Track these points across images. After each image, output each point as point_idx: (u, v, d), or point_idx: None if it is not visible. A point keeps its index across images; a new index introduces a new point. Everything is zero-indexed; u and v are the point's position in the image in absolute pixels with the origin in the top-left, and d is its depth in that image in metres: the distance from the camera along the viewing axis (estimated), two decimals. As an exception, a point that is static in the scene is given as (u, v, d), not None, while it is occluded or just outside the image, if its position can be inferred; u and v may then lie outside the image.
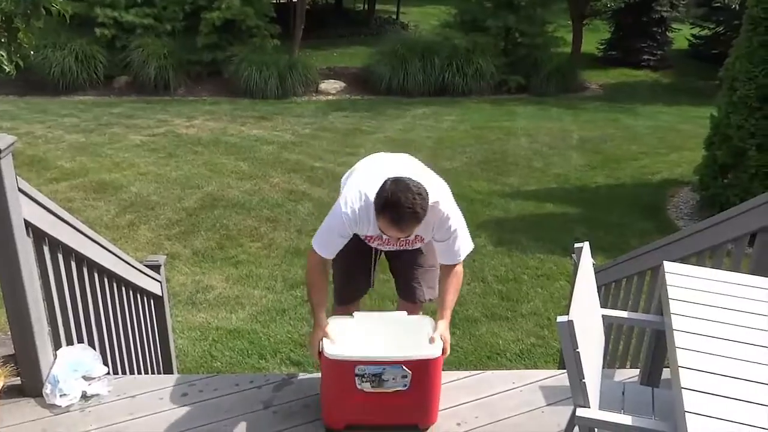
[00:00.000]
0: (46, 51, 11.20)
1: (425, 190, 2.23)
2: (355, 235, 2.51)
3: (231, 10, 12.03)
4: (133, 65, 11.90)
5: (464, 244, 2.51)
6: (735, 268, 2.59)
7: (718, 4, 13.37)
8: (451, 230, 2.44)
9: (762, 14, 5.92)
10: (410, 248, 2.63)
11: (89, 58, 11.69)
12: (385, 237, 2.45)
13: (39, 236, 2.32)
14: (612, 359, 3.36)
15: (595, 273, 2.57)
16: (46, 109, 10.72)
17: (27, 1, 2.58)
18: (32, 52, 2.86)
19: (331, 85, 12.75)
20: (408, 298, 2.84)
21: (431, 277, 2.80)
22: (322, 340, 2.41)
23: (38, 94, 11.47)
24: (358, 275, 2.84)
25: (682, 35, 16.76)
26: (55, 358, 2.46)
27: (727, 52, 6.85)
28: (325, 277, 2.56)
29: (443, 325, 2.44)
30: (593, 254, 2.36)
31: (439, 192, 2.41)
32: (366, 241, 2.58)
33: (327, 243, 2.47)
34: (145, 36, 11.98)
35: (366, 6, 19.64)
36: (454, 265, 2.54)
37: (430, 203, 2.26)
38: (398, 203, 2.18)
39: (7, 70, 2.97)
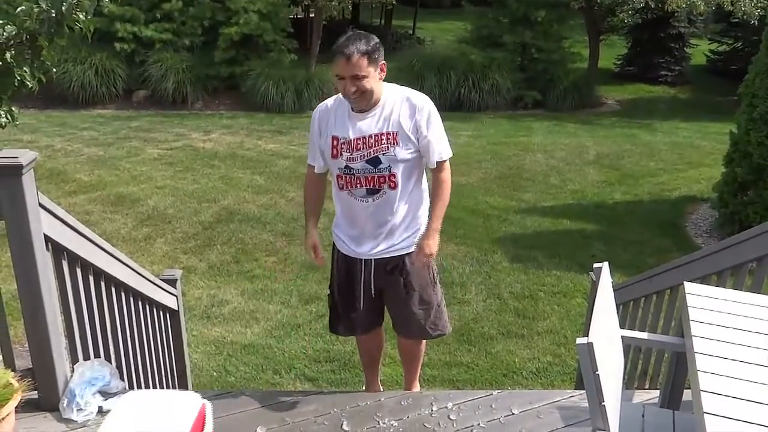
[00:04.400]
0: (67, 65, 11.37)
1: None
2: (344, 270, 2.74)
3: (249, 25, 12.15)
4: (151, 79, 12.03)
5: (445, 147, 2.60)
6: (757, 287, 2.54)
7: (737, 20, 13.29)
8: (433, 119, 2.54)
9: (782, 31, 5.88)
10: (385, 148, 2.54)
11: (109, 73, 11.85)
12: (346, 114, 2.55)
13: (58, 251, 2.34)
14: (631, 380, 3.31)
15: (613, 291, 2.54)
16: (66, 123, 10.86)
17: (51, 20, 2.61)
18: (54, 70, 2.89)
19: (348, 100, 12.79)
20: (402, 334, 2.90)
21: (428, 316, 2.77)
22: (308, 244, 2.76)
23: (59, 107, 11.63)
24: (346, 307, 2.84)
25: (700, 51, 16.68)
26: (72, 373, 2.47)
27: (745, 68, 6.79)
28: (313, 188, 2.79)
29: (427, 236, 2.58)
30: (611, 272, 2.33)
31: (410, 90, 2.59)
32: (334, 149, 2.58)
33: (309, 149, 2.74)
34: (164, 51, 12.13)
35: (382, 21, 19.76)
36: (440, 169, 2.61)
37: (395, 86, 2.56)
38: (346, 36, 2.47)
39: (30, 86, 3.00)
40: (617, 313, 3.27)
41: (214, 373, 4.39)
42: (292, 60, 12.72)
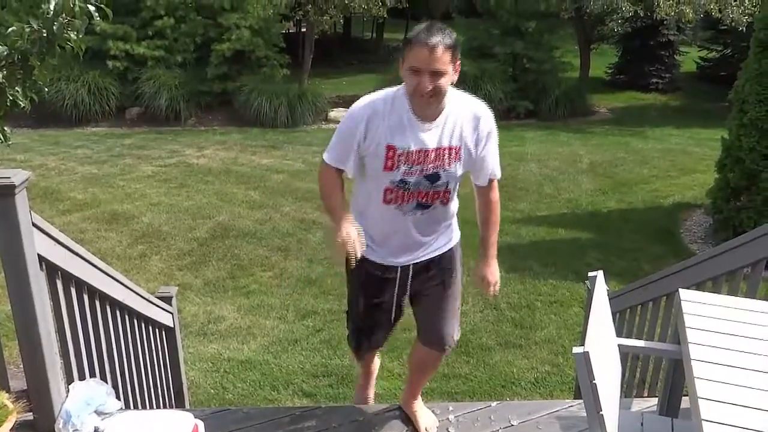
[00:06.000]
0: (60, 84, 11.38)
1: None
2: (373, 283, 2.44)
3: (241, 41, 12.20)
4: (144, 96, 12.05)
5: (498, 165, 2.39)
6: (752, 292, 2.55)
7: (725, 27, 13.41)
8: (493, 135, 2.33)
9: (770, 37, 5.93)
10: (446, 164, 2.27)
11: (102, 90, 11.86)
12: (410, 123, 2.22)
13: (52, 270, 2.33)
14: (629, 387, 3.31)
15: (610, 300, 2.54)
16: (59, 141, 10.85)
17: (42, 40, 2.61)
18: (46, 89, 2.89)
19: (341, 114, 12.78)
20: (434, 344, 2.55)
21: (456, 321, 2.59)
22: (345, 234, 2.17)
23: (52, 126, 11.62)
24: (375, 320, 2.59)
25: (690, 58, 16.80)
26: (67, 393, 2.45)
27: (735, 75, 6.84)
28: (336, 186, 2.36)
29: (488, 265, 2.41)
30: (607, 280, 2.34)
31: (471, 97, 2.36)
32: (388, 161, 2.24)
33: (334, 145, 2.33)
34: (157, 68, 12.16)
35: (374, 34, 19.85)
36: (491, 188, 2.41)
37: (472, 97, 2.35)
38: (427, 24, 2.18)
39: (23, 105, 3.00)
40: (614, 321, 3.27)
41: (212, 390, 4.36)
42: (284, 75, 12.77)
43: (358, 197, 2.46)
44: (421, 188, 2.28)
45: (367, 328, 2.63)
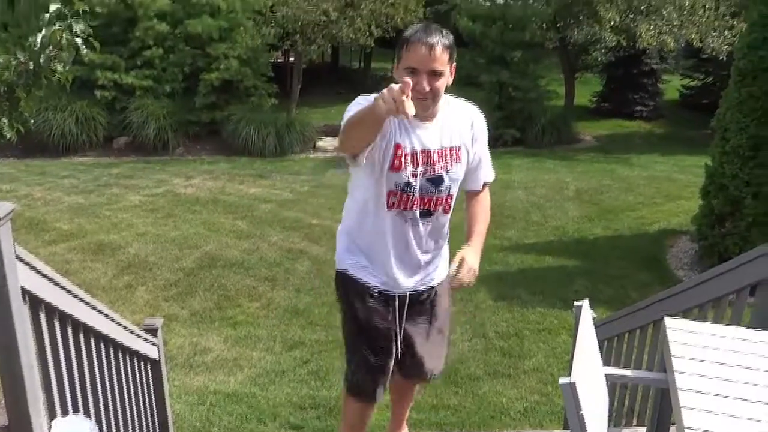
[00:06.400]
0: (47, 114, 11.36)
1: None
2: (373, 306, 2.30)
3: (229, 71, 12.27)
4: (132, 126, 12.05)
5: (491, 167, 2.40)
6: (737, 319, 2.56)
7: (706, 56, 13.66)
8: (486, 135, 2.33)
9: (749, 66, 6.04)
10: (449, 165, 2.22)
11: (89, 120, 11.85)
12: (409, 122, 2.09)
13: (36, 303, 2.30)
14: (618, 416, 3.30)
15: (596, 327, 2.54)
16: (46, 171, 10.81)
17: (29, 72, 2.62)
18: (32, 121, 2.89)
19: (329, 143, 12.89)
20: (415, 377, 2.50)
21: (443, 357, 2.52)
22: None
23: (38, 156, 11.58)
24: (383, 359, 2.37)
25: (672, 86, 17.07)
26: (50, 429, 2.41)
27: (717, 102, 6.95)
28: None
29: (471, 250, 2.23)
30: (594, 307, 2.34)
31: (458, 98, 2.32)
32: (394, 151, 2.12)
33: (358, 104, 2.07)
34: (145, 97, 12.18)
35: (362, 64, 20.04)
36: (484, 192, 2.40)
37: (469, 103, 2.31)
38: (424, 24, 2.16)
39: (9, 136, 3.00)
40: (602, 349, 3.27)
41: (197, 424, 4.30)
42: (272, 104, 12.83)
43: (352, 209, 2.35)
44: (425, 193, 2.21)
45: (379, 363, 2.37)
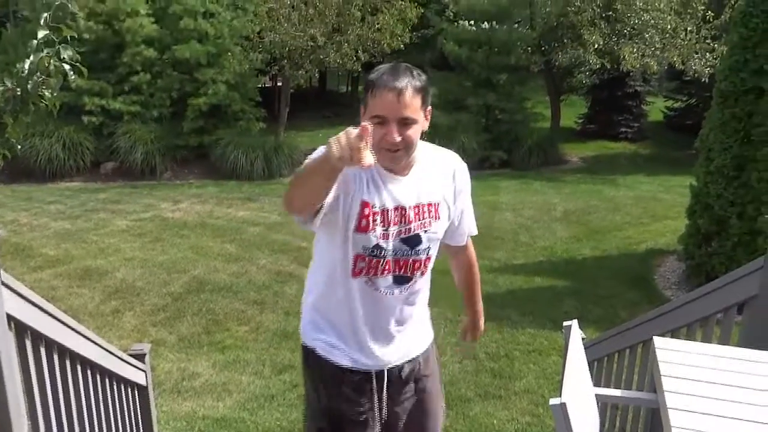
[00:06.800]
0: (34, 139, 11.34)
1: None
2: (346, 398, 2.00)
3: (217, 95, 12.33)
4: (120, 151, 12.04)
5: (473, 219, 2.16)
6: (725, 338, 2.58)
7: (689, 78, 13.88)
8: (469, 187, 2.07)
9: (731, 87, 6.14)
10: (427, 224, 1.94)
11: (76, 145, 11.83)
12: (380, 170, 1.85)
13: (21, 330, 2.28)
14: (609, 437, 3.29)
15: (586, 348, 2.55)
16: (32, 197, 10.74)
17: (17, 98, 2.62)
18: (19, 147, 2.89)
19: (317, 166, 12.93)
20: None
21: (435, 427, 2.24)
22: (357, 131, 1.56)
23: (24, 181, 11.52)
24: None
25: (656, 108, 17.30)
26: (34, 458, 2.37)
27: (700, 123, 7.05)
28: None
29: (474, 322, 2.26)
30: (583, 327, 2.35)
31: (435, 146, 2.07)
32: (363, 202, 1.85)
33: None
34: (133, 122, 12.19)
35: (349, 88, 20.18)
36: (467, 246, 2.21)
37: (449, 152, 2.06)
38: (391, 65, 1.85)
39: (-6, 162, 2.98)
40: (592, 369, 3.27)
41: (185, 451, 4.24)
42: (260, 128, 12.88)
43: (315, 276, 2.08)
44: (400, 256, 1.92)
45: None
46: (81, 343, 2.61)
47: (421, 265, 1.97)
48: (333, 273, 1.96)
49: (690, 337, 2.67)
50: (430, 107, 1.88)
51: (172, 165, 12.47)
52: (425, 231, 1.94)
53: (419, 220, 1.92)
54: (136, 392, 3.34)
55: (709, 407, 1.85)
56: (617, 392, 2.49)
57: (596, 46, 12.95)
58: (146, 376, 3.42)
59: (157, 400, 4.42)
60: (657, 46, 13.04)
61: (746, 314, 2.54)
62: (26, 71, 2.64)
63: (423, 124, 1.86)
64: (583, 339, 2.36)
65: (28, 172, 11.50)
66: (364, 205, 1.85)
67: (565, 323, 2.11)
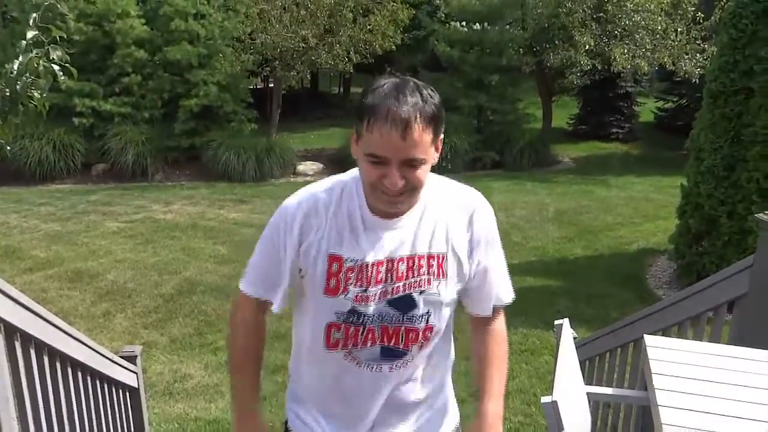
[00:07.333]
0: (23, 141, 11.26)
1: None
2: None
3: (208, 96, 12.29)
4: (111, 152, 11.98)
5: (508, 283, 1.64)
6: (716, 336, 2.59)
7: (679, 79, 13.95)
8: (495, 236, 1.60)
9: (721, 88, 6.17)
10: (425, 282, 1.49)
11: (67, 147, 11.77)
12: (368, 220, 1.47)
13: (11, 332, 2.26)
14: (601, 436, 3.30)
15: (578, 347, 2.56)
16: (22, 199, 10.68)
17: (5, 99, 2.61)
18: (8, 148, 2.87)
19: (309, 167, 12.92)
20: None
21: None
22: None
23: (14, 183, 11.45)
24: None
25: (647, 108, 17.37)
26: (24, 461, 2.35)
27: (691, 123, 7.08)
28: (253, 336, 1.67)
29: (489, 425, 1.63)
30: (575, 327, 2.36)
31: (454, 181, 1.61)
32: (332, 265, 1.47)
33: (255, 263, 1.60)
34: (123, 124, 12.14)
35: (341, 89, 20.18)
36: (495, 319, 1.66)
37: (467, 187, 1.60)
38: (394, 84, 1.37)
39: (-16, 163, 2.97)
40: (583, 368, 3.28)
41: (178, 453, 4.23)
42: (252, 129, 12.86)
43: (294, 338, 1.71)
44: (388, 323, 1.49)
45: None
46: (71, 345, 2.59)
47: (418, 336, 1.52)
48: (307, 343, 1.59)
49: (681, 335, 2.69)
50: (442, 135, 1.43)
51: (163, 166, 12.42)
52: (420, 291, 1.48)
53: (412, 277, 1.47)
54: (127, 394, 3.32)
55: (700, 404, 1.86)
56: (608, 390, 2.50)
57: (587, 47, 12.99)
58: (137, 378, 3.40)
59: (149, 401, 4.40)
60: (647, 47, 13.09)
61: (736, 312, 2.56)
62: (15, 72, 2.63)
63: (434, 157, 1.42)
64: (574, 338, 2.37)
65: (17, 174, 11.43)
66: (332, 260, 1.46)
67: (557, 322, 2.12)
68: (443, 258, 1.50)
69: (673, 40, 13.05)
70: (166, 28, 12.42)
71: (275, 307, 1.57)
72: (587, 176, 12.82)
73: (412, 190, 1.40)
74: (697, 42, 13.04)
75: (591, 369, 3.60)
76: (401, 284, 1.47)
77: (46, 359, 2.43)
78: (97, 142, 12.09)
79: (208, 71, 12.49)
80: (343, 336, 1.49)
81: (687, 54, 13.01)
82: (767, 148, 5.82)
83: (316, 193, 1.51)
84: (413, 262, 1.48)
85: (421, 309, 1.50)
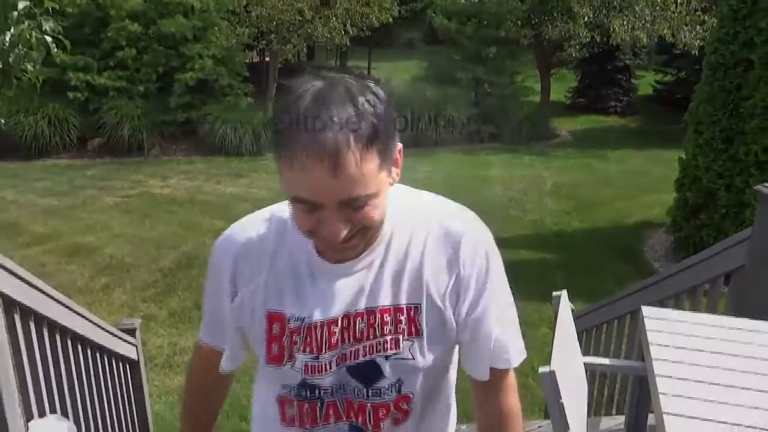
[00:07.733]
0: (18, 116, 11.17)
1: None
2: None
3: (204, 70, 12.18)
4: (106, 127, 11.90)
5: (516, 338, 1.20)
6: (712, 307, 2.60)
7: (678, 51, 13.85)
8: (493, 274, 1.19)
9: (720, 60, 6.13)
10: (390, 344, 1.12)
11: (62, 122, 11.68)
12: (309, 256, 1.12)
13: (10, 305, 2.26)
14: (598, 406, 3.33)
15: (575, 319, 2.57)
16: (18, 174, 10.63)
17: (-2, 72, 2.59)
18: (2, 121, 2.85)
19: (306, 141, 12.87)
20: None
21: None
22: None
23: (10, 159, 11.39)
24: None
25: (646, 81, 17.28)
26: (27, 430, 2.37)
27: (689, 96, 7.05)
28: (206, 389, 1.44)
29: None
30: (573, 299, 2.36)
31: (441, 200, 1.29)
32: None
33: (204, 309, 1.35)
34: (119, 98, 12.04)
35: (338, 62, 20.02)
36: (499, 386, 1.22)
37: (452, 206, 1.25)
38: (313, 93, 0.99)
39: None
40: (581, 340, 3.30)
41: (177, 424, 4.26)
42: (249, 103, 12.77)
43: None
44: (350, 396, 1.15)
45: None
46: (71, 317, 2.60)
47: (389, 410, 1.16)
48: (266, 418, 1.28)
49: (678, 307, 2.70)
50: (400, 145, 1.06)
51: (159, 141, 12.35)
52: (387, 357, 1.11)
53: (374, 337, 1.11)
54: (127, 366, 3.34)
55: (697, 374, 1.87)
56: (606, 360, 2.52)
57: (586, 19, 12.88)
58: (137, 351, 3.42)
59: (149, 374, 4.43)
60: (647, 18, 12.97)
61: (733, 284, 2.57)
62: (7, 44, 2.60)
63: (390, 180, 1.06)
64: (572, 310, 2.38)
65: (13, 149, 11.36)
66: (272, 319, 1.13)
67: (555, 293, 2.13)
68: (416, 310, 1.11)
69: (672, 12, 12.92)
70: (160, 1, 12.26)
71: (224, 365, 1.27)
72: (585, 150, 12.80)
73: (363, 230, 1.04)
74: (697, 13, 12.92)
75: (588, 340, 3.62)
76: (360, 347, 1.11)
77: (45, 331, 2.44)
78: (93, 116, 12.00)
79: (203, 44, 12.37)
80: (297, 413, 1.18)
81: (687, 25, 12.89)
82: (766, 120, 5.80)
83: (249, 231, 1.17)
84: (374, 318, 1.10)
85: (390, 378, 1.13)
